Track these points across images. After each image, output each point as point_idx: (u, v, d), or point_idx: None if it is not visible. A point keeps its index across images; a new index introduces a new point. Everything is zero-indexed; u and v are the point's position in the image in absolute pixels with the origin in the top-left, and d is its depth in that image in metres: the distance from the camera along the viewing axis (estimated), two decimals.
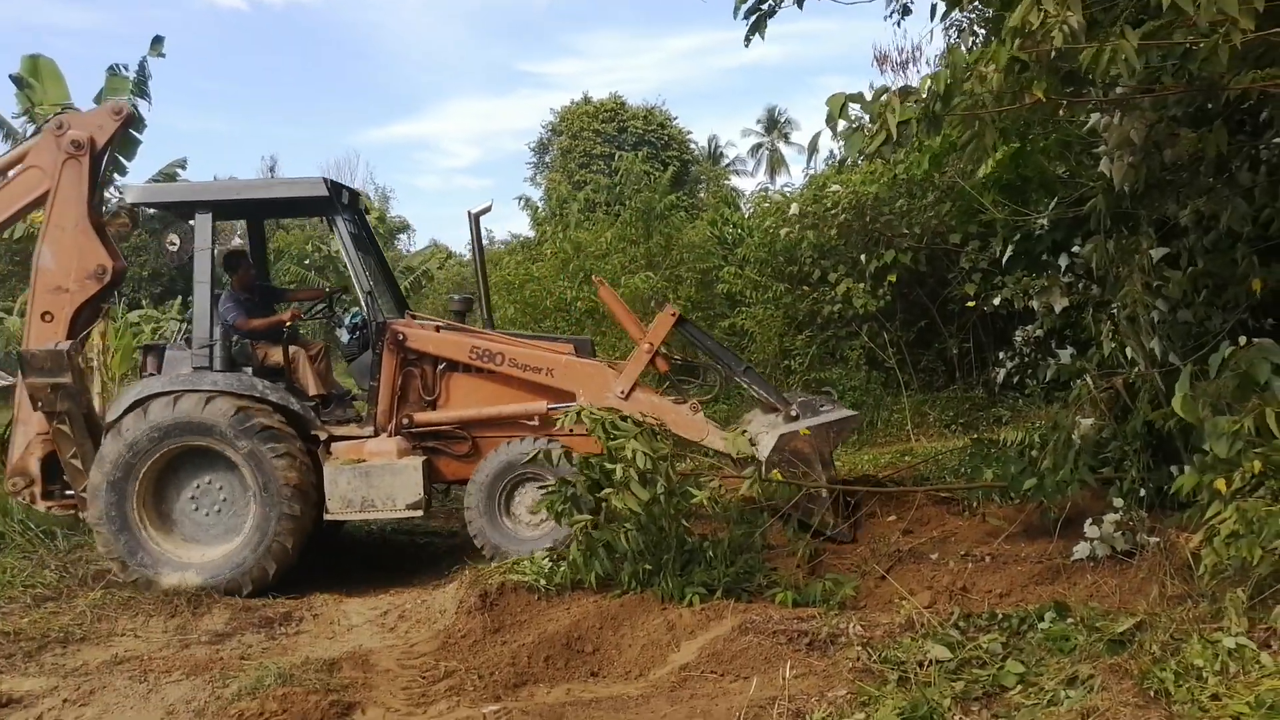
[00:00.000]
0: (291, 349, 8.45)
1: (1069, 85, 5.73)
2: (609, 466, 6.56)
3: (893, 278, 12.36)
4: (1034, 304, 9.23)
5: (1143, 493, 6.52)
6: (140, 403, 7.89)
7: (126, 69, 20.20)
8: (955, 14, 9.47)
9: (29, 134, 22.11)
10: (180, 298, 27.57)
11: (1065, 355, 8.80)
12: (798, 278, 13.86)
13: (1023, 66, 4.79)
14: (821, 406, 8.05)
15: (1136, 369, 6.60)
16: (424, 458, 8.11)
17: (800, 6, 6.86)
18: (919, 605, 5.69)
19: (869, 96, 5.14)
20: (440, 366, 8.39)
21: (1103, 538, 6.43)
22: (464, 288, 30.72)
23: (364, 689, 5.55)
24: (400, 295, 9.57)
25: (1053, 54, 4.20)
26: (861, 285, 12.73)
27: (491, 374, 8.29)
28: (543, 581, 6.77)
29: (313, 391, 8.38)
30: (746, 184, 56.32)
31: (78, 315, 8.34)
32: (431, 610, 6.94)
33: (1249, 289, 6.11)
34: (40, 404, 8.02)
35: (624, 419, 6.88)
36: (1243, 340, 5.25)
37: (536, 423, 8.20)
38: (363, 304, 8.44)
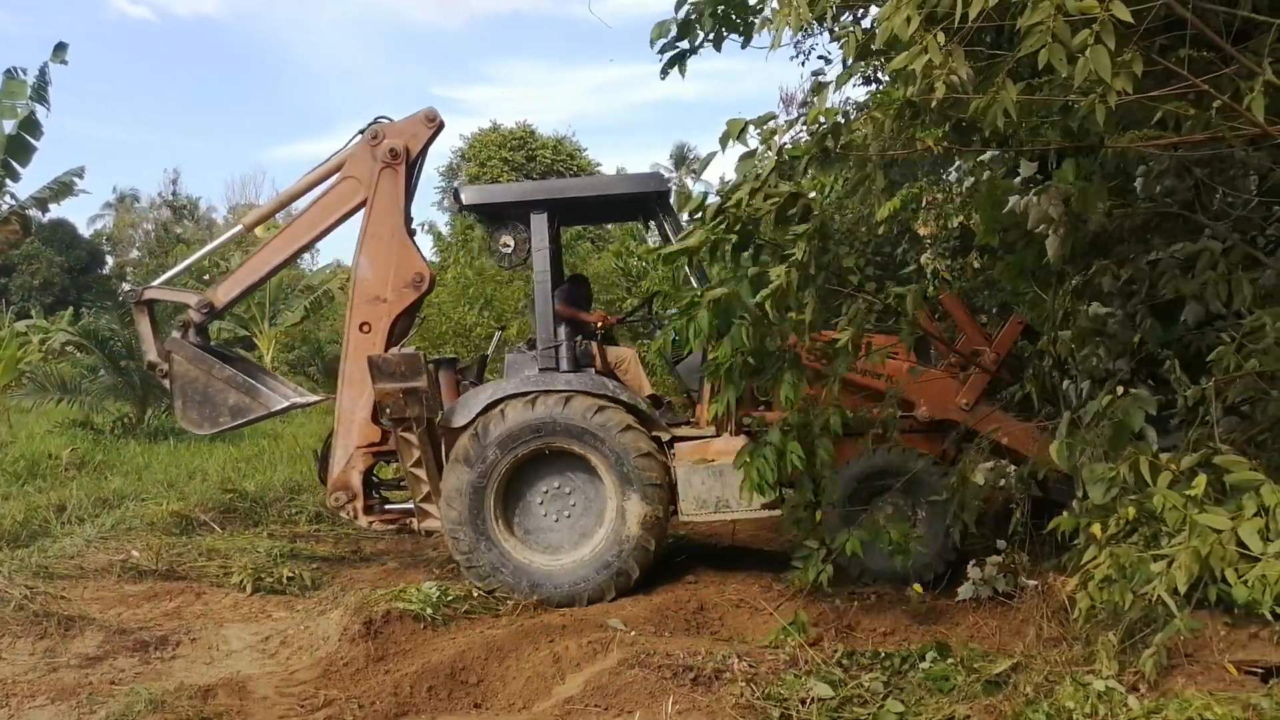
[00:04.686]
0: (624, 350, 8.41)
1: (965, 135, 5.88)
2: None
3: None
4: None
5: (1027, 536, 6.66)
6: (497, 403, 7.67)
7: (25, 73, 19.57)
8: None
9: None
10: (71, 308, 26.78)
11: None
12: None
13: (914, 113, 4.90)
14: None
15: (1041, 414, 6.80)
16: None
17: (718, 49, 6.92)
18: (803, 642, 5.74)
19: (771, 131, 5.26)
20: None
21: (985, 579, 6.56)
22: None
23: (239, 717, 5.42)
24: None
25: (935, 103, 4.29)
26: None
27: (825, 375, 7.86)
28: (429, 610, 6.68)
29: (646, 392, 8.21)
30: None
31: (394, 325, 8.16)
32: (314, 637, 6.80)
33: (1134, 344, 6.32)
34: (388, 410, 7.67)
35: None
36: (1120, 390, 5.40)
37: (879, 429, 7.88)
38: None
